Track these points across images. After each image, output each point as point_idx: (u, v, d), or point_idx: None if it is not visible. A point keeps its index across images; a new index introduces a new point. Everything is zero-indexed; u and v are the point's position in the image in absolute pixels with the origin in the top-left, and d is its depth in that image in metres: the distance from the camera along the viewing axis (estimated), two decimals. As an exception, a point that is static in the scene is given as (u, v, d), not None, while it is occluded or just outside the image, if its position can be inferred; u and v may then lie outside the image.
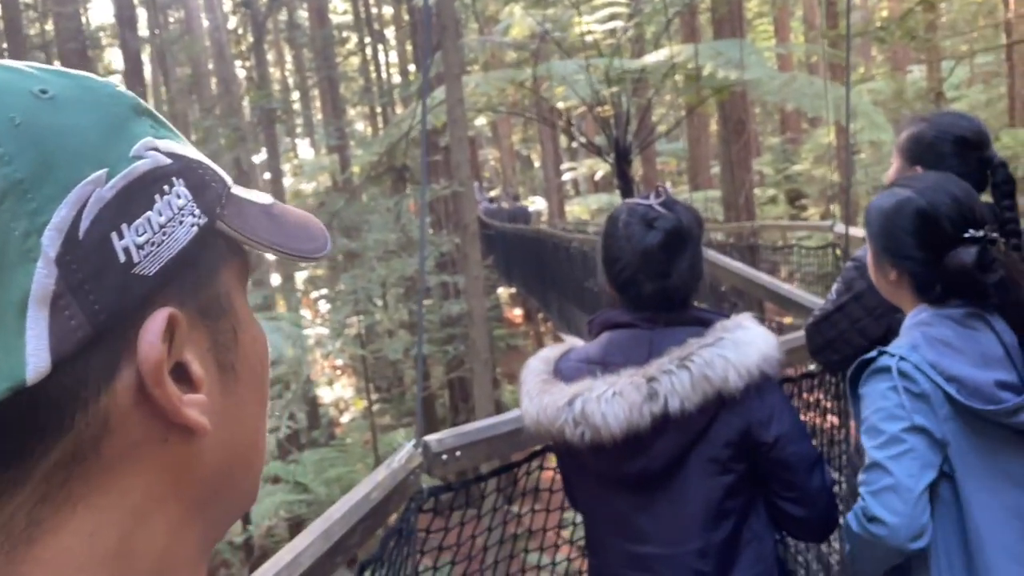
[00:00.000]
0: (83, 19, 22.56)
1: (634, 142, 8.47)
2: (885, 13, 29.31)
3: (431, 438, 1.73)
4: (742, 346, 1.53)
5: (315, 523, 1.35)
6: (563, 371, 1.70)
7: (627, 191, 8.37)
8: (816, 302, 3.21)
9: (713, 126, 27.33)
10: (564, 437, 1.55)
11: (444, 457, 1.72)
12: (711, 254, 4.37)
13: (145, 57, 24.46)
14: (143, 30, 23.98)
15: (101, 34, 27.06)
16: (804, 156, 25.58)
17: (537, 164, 37.30)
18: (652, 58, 8.61)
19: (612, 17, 8.67)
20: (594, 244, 7.23)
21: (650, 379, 1.52)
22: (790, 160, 25.27)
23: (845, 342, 2.03)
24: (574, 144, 32.95)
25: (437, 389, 18.61)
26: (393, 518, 1.61)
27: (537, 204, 28.22)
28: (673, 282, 1.66)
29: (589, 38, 8.54)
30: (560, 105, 11.37)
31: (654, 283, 1.66)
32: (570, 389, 1.57)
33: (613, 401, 1.49)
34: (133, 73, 19.53)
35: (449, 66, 6.26)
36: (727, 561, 1.59)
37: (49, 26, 23.19)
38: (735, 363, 1.50)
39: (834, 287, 2.13)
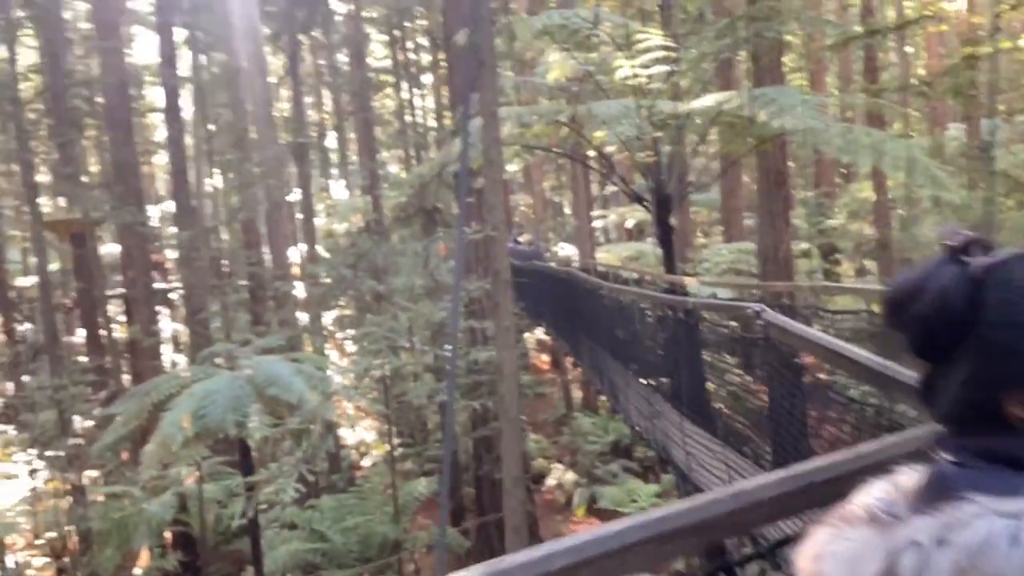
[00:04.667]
0: (127, 56, 22.89)
1: (676, 190, 8.15)
2: (922, 70, 29.07)
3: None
4: None
5: None
6: None
7: (667, 240, 8.02)
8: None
9: (746, 177, 27.13)
10: None
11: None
12: (781, 319, 3.90)
13: (186, 94, 24.74)
14: (184, 70, 24.30)
15: (144, 73, 27.54)
16: (839, 210, 25.21)
17: (568, 211, 37.15)
18: (699, 103, 8.32)
19: (659, 61, 8.41)
20: (632, 296, 6.76)
21: None
22: (824, 214, 24.94)
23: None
24: (606, 191, 32.79)
25: (460, 435, 18.18)
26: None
27: (566, 250, 27.98)
28: None
29: (633, 81, 8.28)
30: (593, 152, 11.13)
31: None
32: None
33: None
34: (171, 110, 19.69)
35: (486, 104, 6.00)
36: None
37: (94, 62, 23.60)
38: None
39: None
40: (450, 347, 14.32)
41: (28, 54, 26.41)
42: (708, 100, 8.57)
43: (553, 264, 19.17)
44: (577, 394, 22.23)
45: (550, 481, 18.34)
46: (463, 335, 13.66)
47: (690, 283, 7.67)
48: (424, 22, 27.81)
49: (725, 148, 11.27)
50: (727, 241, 22.05)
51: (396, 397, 15.15)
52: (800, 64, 28.96)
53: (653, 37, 8.53)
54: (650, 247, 22.48)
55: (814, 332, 3.43)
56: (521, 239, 25.24)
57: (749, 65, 19.02)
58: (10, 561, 15.41)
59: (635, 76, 8.25)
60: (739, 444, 5.28)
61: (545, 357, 27.87)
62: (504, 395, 5.64)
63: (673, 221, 9.37)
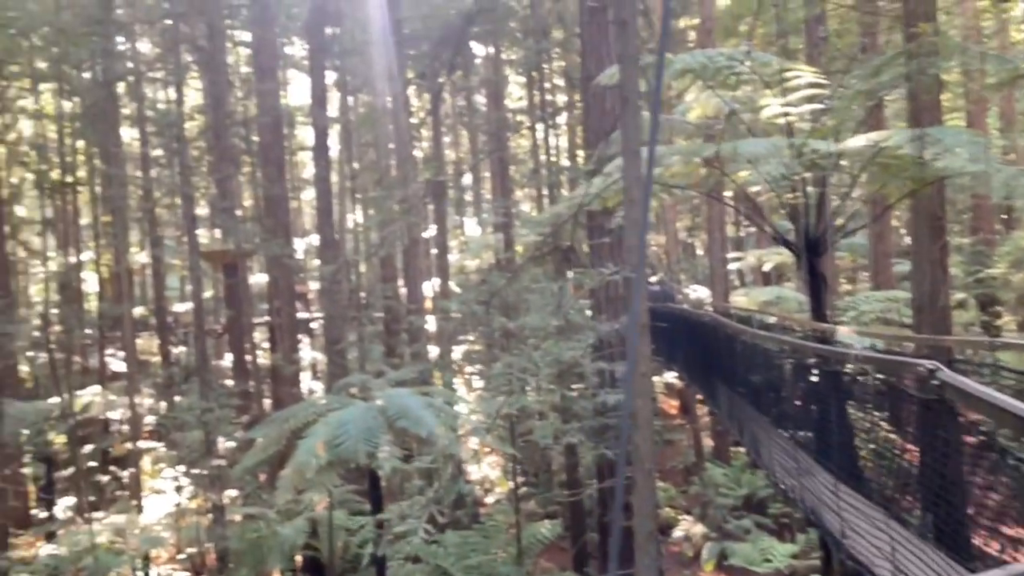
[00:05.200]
0: (281, 98, 24.31)
1: (827, 234, 7.69)
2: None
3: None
4: None
5: None
6: None
7: (816, 286, 7.56)
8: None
9: (895, 222, 25.72)
10: None
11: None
12: (961, 380, 3.50)
13: (333, 134, 25.99)
14: (333, 111, 25.56)
15: (297, 113, 29.19)
16: (999, 259, 23.47)
17: (700, 252, 36.31)
18: (854, 142, 7.86)
19: (811, 99, 8.03)
20: (781, 344, 6.36)
21: None
22: (983, 263, 23.29)
23: None
24: (741, 233, 31.85)
25: (585, 478, 17.85)
26: None
27: (698, 292, 27.33)
28: None
29: (781, 120, 7.93)
30: (732, 193, 10.78)
31: None
32: None
33: None
34: (319, 148, 20.68)
35: (628, 142, 5.86)
36: None
37: (252, 103, 25.19)
38: None
39: None
40: (578, 386, 14.10)
41: (193, 96, 28.56)
42: (862, 139, 8.09)
43: (685, 306, 18.66)
44: (708, 442, 21.42)
45: (677, 533, 17.65)
46: (593, 376, 13.40)
47: (843, 333, 7.18)
48: (561, 63, 28.13)
49: (878, 190, 10.63)
50: (875, 288, 20.88)
51: (521, 436, 15.04)
52: (957, 103, 27.36)
53: (804, 74, 8.17)
54: (791, 292, 21.56)
55: (1006, 399, 3.02)
56: (652, 280, 24.81)
57: (904, 104, 18.02)
58: (153, 573, 16.25)
59: (785, 114, 7.91)
60: (897, 511, 4.84)
61: (674, 402, 27.12)
62: (639, 444, 5.39)
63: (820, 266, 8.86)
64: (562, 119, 29.60)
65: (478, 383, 24.27)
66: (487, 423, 11.92)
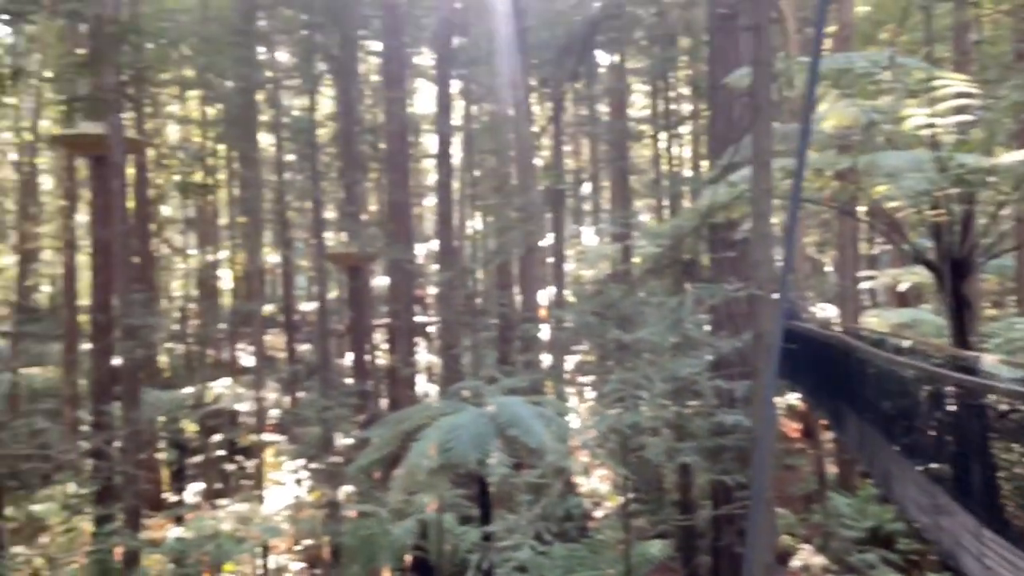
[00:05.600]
0: (408, 106, 24.92)
1: (973, 254, 7.13)
2: None
3: None
4: None
5: None
6: None
7: (959, 311, 7.00)
8: None
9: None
10: None
11: None
12: None
13: (456, 142, 26.42)
14: (457, 119, 25.97)
15: (422, 121, 29.88)
16: None
17: (829, 269, 34.71)
18: (1010, 157, 7.26)
19: (959, 110, 7.46)
20: (923, 373, 5.90)
21: None
22: None
23: None
24: (873, 251, 30.20)
25: (699, 499, 17.31)
26: None
27: (826, 311, 26.12)
28: None
29: (926, 131, 7.41)
30: (865, 208, 10.19)
31: None
32: None
33: None
34: (442, 156, 21.05)
35: (759, 152, 5.60)
36: None
37: (380, 111, 25.96)
38: None
39: None
40: (694, 404, 13.68)
41: (326, 103, 29.70)
42: (1017, 154, 7.46)
43: (812, 326, 17.81)
44: (831, 469, 20.37)
45: (795, 562, 16.86)
46: (710, 394, 12.96)
47: (988, 361, 6.61)
48: (687, 71, 27.59)
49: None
50: (1022, 315, 19.35)
51: (633, 452, 14.74)
52: None
53: (953, 83, 7.61)
54: (928, 315, 20.26)
55: None
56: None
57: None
58: (272, 562, 16.88)
59: (930, 125, 7.38)
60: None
61: (796, 425, 25.99)
62: (758, 472, 5.11)
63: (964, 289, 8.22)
64: (685, 129, 29.02)
65: (590, 394, 24.04)
66: (598, 437, 11.73)
